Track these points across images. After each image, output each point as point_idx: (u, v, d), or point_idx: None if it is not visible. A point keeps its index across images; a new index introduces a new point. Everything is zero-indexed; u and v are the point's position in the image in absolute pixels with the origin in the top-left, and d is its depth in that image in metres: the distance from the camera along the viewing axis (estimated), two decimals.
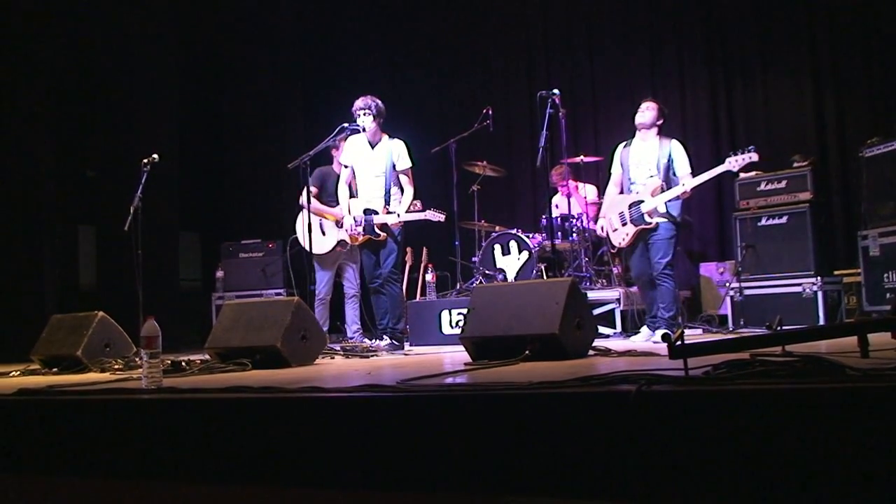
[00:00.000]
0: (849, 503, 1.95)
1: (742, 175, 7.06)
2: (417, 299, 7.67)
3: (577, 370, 3.11)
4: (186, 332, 8.65)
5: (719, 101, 8.44)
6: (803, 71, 7.95)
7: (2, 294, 7.92)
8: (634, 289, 6.45)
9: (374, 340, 6.15)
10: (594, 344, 4.33)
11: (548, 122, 6.20)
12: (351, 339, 6.81)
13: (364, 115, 6.02)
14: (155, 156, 6.33)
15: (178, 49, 9.30)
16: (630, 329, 6.52)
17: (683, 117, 8.52)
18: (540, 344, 3.95)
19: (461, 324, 4.90)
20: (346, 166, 6.27)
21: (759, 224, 6.96)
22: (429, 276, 7.64)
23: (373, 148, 6.12)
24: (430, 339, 6.69)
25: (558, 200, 7.75)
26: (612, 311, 6.76)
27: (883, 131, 6.59)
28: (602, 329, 6.40)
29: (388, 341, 5.98)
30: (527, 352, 3.93)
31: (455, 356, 4.89)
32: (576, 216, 7.29)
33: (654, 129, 5.92)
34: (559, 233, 7.27)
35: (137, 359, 4.92)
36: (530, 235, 7.36)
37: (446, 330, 6.67)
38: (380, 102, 6.09)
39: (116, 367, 5.04)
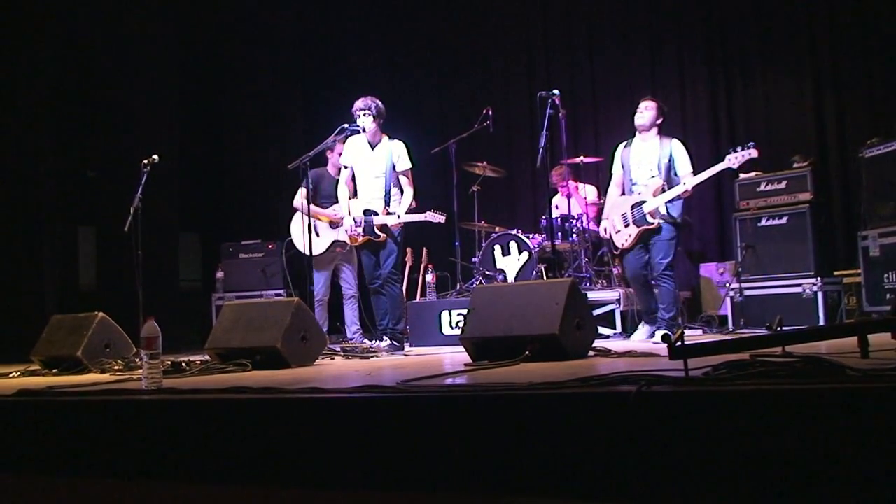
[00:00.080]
0: (849, 503, 1.95)
1: (742, 175, 7.07)
2: (417, 300, 7.67)
3: (577, 371, 3.11)
4: (186, 333, 8.63)
5: (719, 101, 8.44)
6: (803, 71, 7.95)
7: (2, 294, 7.91)
8: None
9: (373, 341, 6.15)
10: (594, 344, 4.33)
11: (548, 122, 6.20)
12: (351, 339, 6.81)
13: (364, 115, 6.02)
14: (155, 156, 6.33)
15: (178, 49, 9.30)
16: (630, 330, 6.51)
17: (683, 117, 8.51)
18: (540, 344, 3.95)
19: (461, 324, 4.90)
20: (345, 167, 6.27)
21: (759, 224, 6.96)
22: (429, 277, 7.64)
23: (373, 148, 6.12)
24: (430, 339, 6.69)
25: (558, 201, 7.75)
26: (612, 311, 6.76)
27: (883, 132, 6.58)
28: (602, 330, 6.40)
29: (388, 342, 5.98)
30: (527, 352, 3.93)
31: (455, 357, 4.90)
32: (576, 217, 7.29)
33: (654, 129, 5.91)
34: (559, 233, 7.27)
35: (137, 359, 4.92)
36: (530, 236, 7.35)
37: (446, 330, 6.67)
38: (380, 103, 6.09)
39: (116, 367, 5.04)
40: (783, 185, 6.95)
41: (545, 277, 7.02)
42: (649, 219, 5.73)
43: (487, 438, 2.41)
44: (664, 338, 2.69)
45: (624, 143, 6.09)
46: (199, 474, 2.84)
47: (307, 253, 6.92)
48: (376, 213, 6.03)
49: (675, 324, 5.68)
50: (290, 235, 7.14)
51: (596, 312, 6.54)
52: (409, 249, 7.57)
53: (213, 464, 2.82)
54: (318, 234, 6.91)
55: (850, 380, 2.19)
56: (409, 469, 2.51)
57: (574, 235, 7.27)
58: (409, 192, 6.13)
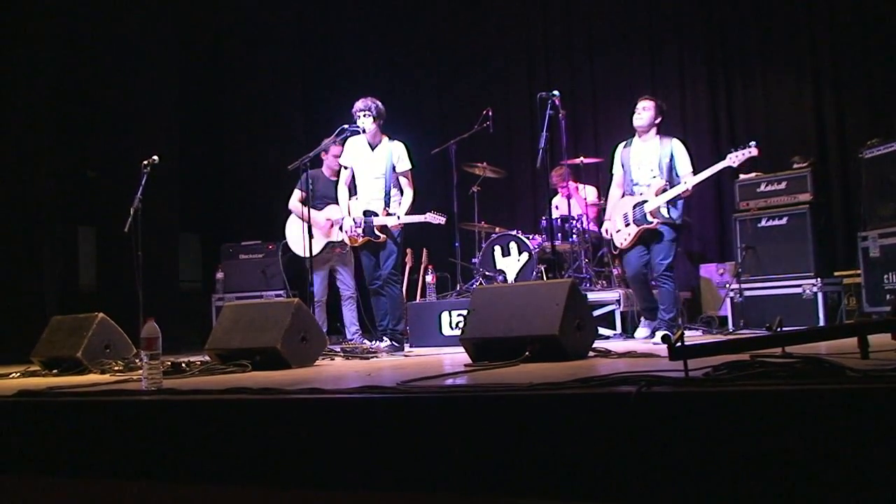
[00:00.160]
0: (849, 503, 1.95)
1: (742, 176, 7.07)
2: (417, 301, 7.67)
3: (577, 371, 3.11)
4: (186, 334, 8.64)
5: (719, 101, 8.44)
6: (803, 71, 7.95)
7: (2, 295, 7.91)
8: None
9: (373, 342, 6.15)
10: (594, 345, 4.33)
11: (548, 123, 6.20)
12: (350, 340, 6.81)
13: (364, 116, 6.02)
14: (155, 157, 6.33)
15: (178, 49, 9.31)
16: (630, 330, 6.52)
17: (683, 117, 8.51)
18: (540, 345, 3.95)
19: (461, 325, 4.90)
20: (345, 167, 6.27)
21: (758, 225, 6.96)
22: (429, 278, 7.64)
23: (373, 149, 6.12)
24: (430, 340, 6.69)
25: (558, 202, 7.75)
26: (613, 312, 6.76)
27: (883, 132, 6.59)
28: (602, 330, 6.40)
29: (388, 343, 5.98)
30: (527, 353, 3.92)
31: (455, 357, 4.89)
32: (576, 217, 7.29)
33: (654, 130, 5.90)
34: (559, 234, 7.27)
35: (137, 360, 4.92)
36: (530, 237, 7.35)
37: (446, 331, 6.67)
38: (380, 104, 6.09)
39: (116, 368, 5.04)
40: (783, 185, 6.95)
41: (545, 278, 7.02)
42: (650, 218, 5.73)
43: (488, 439, 2.41)
44: (664, 338, 2.70)
45: (623, 143, 6.08)
46: (199, 475, 2.84)
47: (302, 255, 6.97)
48: (376, 214, 6.03)
49: (676, 324, 5.68)
50: (285, 238, 7.19)
51: (596, 313, 6.54)
52: (409, 250, 7.57)
53: (213, 464, 2.82)
54: (311, 236, 6.92)
55: (850, 380, 2.19)
56: (409, 469, 2.51)
57: (574, 236, 7.27)
58: (408, 193, 6.13)
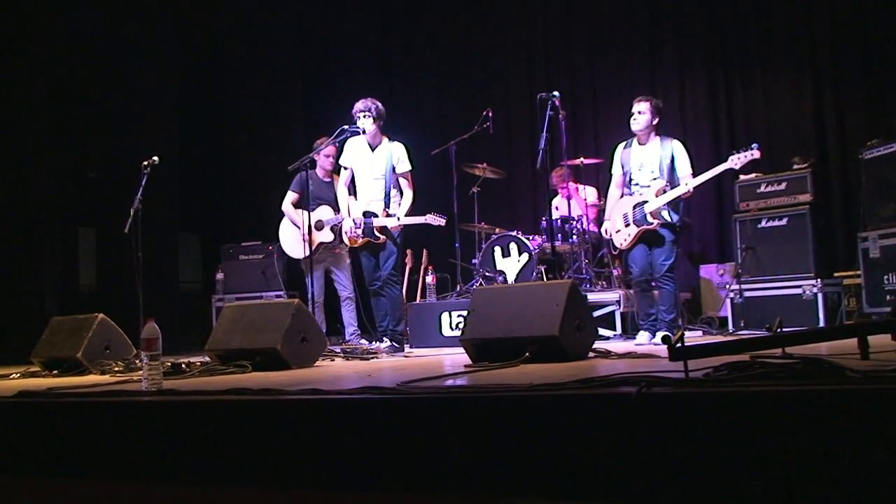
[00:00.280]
0: (849, 503, 1.95)
1: (742, 177, 7.06)
2: (417, 301, 7.67)
3: (577, 372, 3.11)
4: (186, 334, 8.65)
5: (719, 101, 8.44)
6: (803, 71, 7.96)
7: (2, 295, 7.91)
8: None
9: (373, 342, 6.15)
10: (594, 346, 4.33)
11: (548, 124, 6.19)
12: (348, 340, 6.82)
13: (364, 117, 6.02)
14: (155, 157, 6.33)
15: (178, 49, 9.30)
16: (630, 331, 6.51)
17: (683, 117, 8.52)
18: (540, 346, 3.96)
19: (461, 326, 4.90)
20: (345, 168, 6.27)
21: (758, 226, 6.96)
22: (429, 279, 7.65)
23: (373, 150, 6.12)
24: (431, 341, 6.70)
25: (558, 202, 7.75)
26: (613, 313, 6.76)
27: (883, 133, 6.59)
28: (602, 331, 6.40)
29: (389, 343, 5.98)
30: (527, 354, 3.93)
31: (455, 358, 4.89)
32: (576, 218, 7.29)
33: (653, 131, 5.89)
34: (559, 235, 7.27)
35: (138, 361, 4.92)
36: (530, 237, 7.35)
37: (446, 332, 6.67)
38: (380, 104, 6.09)
39: (117, 369, 5.05)
40: (783, 186, 6.95)
41: (545, 279, 7.02)
42: (650, 219, 5.72)
43: (488, 440, 2.41)
44: (664, 339, 2.70)
45: (623, 143, 6.06)
46: (199, 475, 2.84)
47: (294, 256, 7.01)
48: (376, 216, 6.03)
49: (676, 325, 5.68)
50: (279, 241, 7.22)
51: (596, 314, 6.54)
52: (409, 251, 7.57)
53: (213, 465, 2.82)
54: (310, 236, 6.93)
55: (849, 381, 2.19)
56: (409, 470, 2.51)
57: (574, 237, 7.27)
58: (408, 194, 6.13)
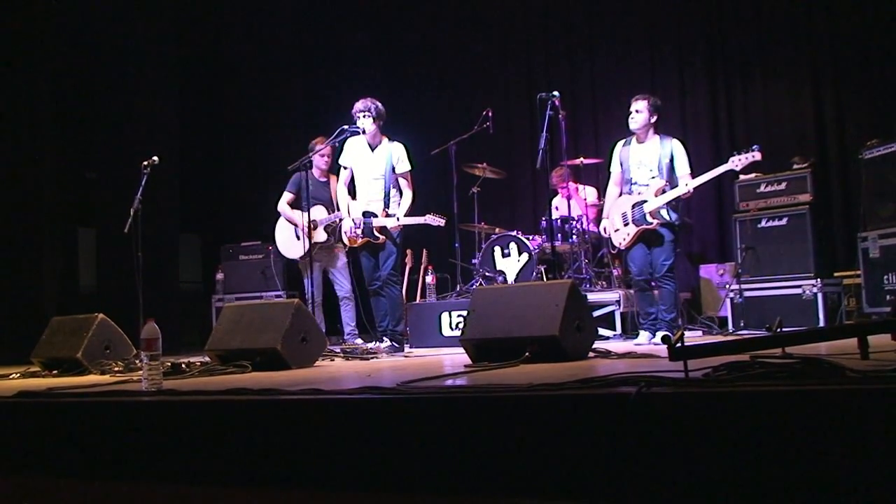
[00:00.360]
0: (849, 503, 1.95)
1: (742, 177, 7.06)
2: (417, 301, 7.67)
3: (577, 372, 3.11)
4: (186, 334, 8.65)
5: (719, 101, 8.44)
6: (803, 72, 7.95)
7: (2, 295, 7.91)
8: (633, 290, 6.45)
9: (373, 342, 6.15)
10: (594, 346, 4.33)
11: (548, 124, 6.19)
12: (345, 340, 6.82)
13: (364, 117, 6.02)
14: (155, 158, 6.33)
15: (178, 49, 9.31)
16: (630, 331, 6.51)
17: (683, 117, 8.51)
18: (540, 346, 3.96)
19: (461, 326, 4.91)
20: (345, 168, 6.27)
21: (758, 226, 6.96)
22: (429, 279, 7.64)
23: (373, 150, 6.12)
24: (430, 341, 6.70)
25: (558, 202, 7.75)
26: (612, 313, 6.76)
27: (883, 133, 6.58)
28: (602, 331, 6.40)
29: (388, 343, 5.98)
30: (527, 354, 3.93)
31: (455, 358, 4.89)
32: (576, 218, 7.29)
33: (651, 129, 5.88)
34: (559, 235, 7.27)
35: (137, 361, 4.92)
36: (530, 237, 7.35)
37: (446, 332, 6.67)
38: (380, 104, 6.09)
39: (116, 369, 5.05)
40: (783, 186, 6.95)
41: (545, 279, 7.02)
42: (649, 219, 5.71)
43: (487, 440, 2.41)
44: (664, 339, 2.70)
45: (623, 140, 6.05)
46: (199, 475, 2.84)
47: (289, 257, 7.03)
48: (375, 215, 6.03)
49: (676, 325, 5.67)
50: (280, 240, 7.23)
51: (596, 314, 6.54)
52: (408, 251, 7.57)
53: (212, 465, 2.82)
54: (298, 238, 6.96)
55: (849, 381, 2.19)
56: (409, 470, 2.51)
57: (574, 237, 7.27)
58: (408, 194, 6.12)
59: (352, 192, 6.28)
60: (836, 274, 6.83)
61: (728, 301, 7.04)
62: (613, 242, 6.07)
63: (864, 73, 7.57)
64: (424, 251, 8.08)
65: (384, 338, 6.04)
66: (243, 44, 10.00)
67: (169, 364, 4.28)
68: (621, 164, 5.99)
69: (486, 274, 7.34)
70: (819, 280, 6.59)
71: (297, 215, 6.86)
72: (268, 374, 4.27)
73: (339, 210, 6.54)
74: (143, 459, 2.95)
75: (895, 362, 2.46)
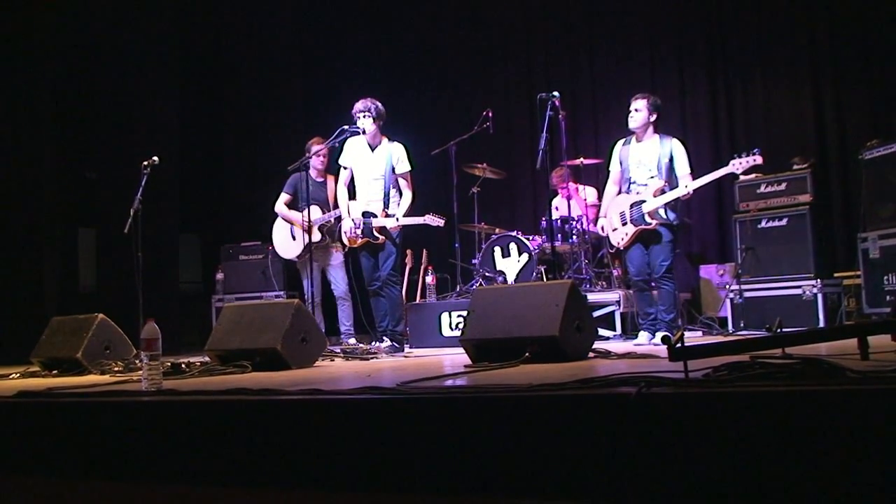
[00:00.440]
0: (849, 503, 1.95)
1: (742, 177, 7.05)
2: (417, 301, 7.67)
3: (577, 372, 3.11)
4: (186, 335, 8.65)
5: (719, 102, 8.45)
6: (803, 72, 7.96)
7: (2, 296, 7.92)
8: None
9: (373, 343, 6.15)
10: (594, 346, 4.33)
11: (548, 124, 6.19)
12: (341, 339, 6.82)
13: (364, 117, 6.02)
14: (155, 158, 6.33)
15: (178, 49, 9.31)
16: (630, 331, 6.51)
17: (683, 118, 8.51)
18: (540, 346, 3.96)
19: (461, 326, 4.90)
20: (345, 168, 6.27)
21: (758, 226, 6.96)
22: (429, 279, 7.64)
23: (372, 150, 6.12)
24: (430, 341, 6.70)
25: (558, 202, 7.74)
26: (612, 313, 6.76)
27: (883, 133, 6.59)
28: (602, 331, 6.40)
29: (388, 343, 5.98)
30: (527, 354, 3.93)
31: (455, 358, 4.89)
32: (576, 218, 7.28)
33: (651, 129, 5.87)
34: (559, 235, 7.26)
35: (137, 361, 4.92)
36: (530, 237, 7.35)
37: (446, 332, 6.67)
38: (380, 105, 6.09)
39: (116, 369, 5.05)
40: (783, 186, 6.95)
41: (545, 279, 7.02)
42: (647, 219, 5.70)
43: (487, 440, 2.41)
44: (664, 339, 2.70)
45: (623, 140, 6.05)
46: (199, 476, 2.84)
47: (286, 257, 7.05)
48: (375, 216, 6.03)
49: (676, 325, 5.67)
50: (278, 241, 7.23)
51: (596, 314, 6.54)
52: (408, 251, 7.57)
53: (212, 465, 2.82)
54: (293, 238, 6.97)
55: (849, 381, 2.19)
56: (409, 470, 2.51)
57: (574, 237, 7.26)
58: (407, 194, 6.12)
59: (351, 192, 6.28)
60: (836, 274, 6.83)
61: (728, 301, 7.04)
62: (611, 241, 6.07)
63: (864, 73, 7.57)
64: (424, 251, 8.08)
65: (384, 338, 6.04)
66: (243, 44, 10.00)
67: (169, 364, 4.28)
68: (621, 163, 5.99)
69: (486, 274, 7.34)
70: (819, 280, 6.59)
71: (295, 215, 6.87)
72: (268, 375, 4.27)
73: (334, 209, 6.54)
74: (143, 459, 2.95)
75: (895, 363, 2.45)
